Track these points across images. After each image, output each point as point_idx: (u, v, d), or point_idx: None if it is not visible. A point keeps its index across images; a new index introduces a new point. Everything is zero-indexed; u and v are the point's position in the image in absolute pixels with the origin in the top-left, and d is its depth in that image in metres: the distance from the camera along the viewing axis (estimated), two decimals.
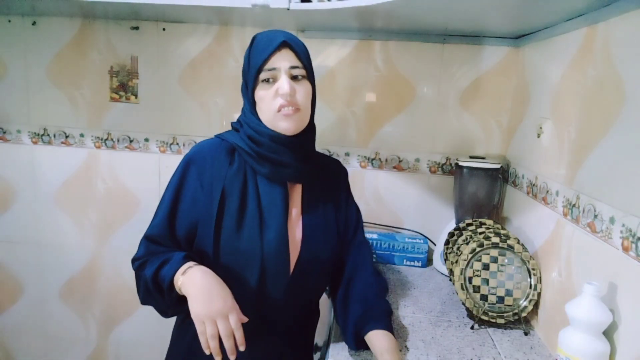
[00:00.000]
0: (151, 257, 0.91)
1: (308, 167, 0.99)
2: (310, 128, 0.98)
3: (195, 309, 0.81)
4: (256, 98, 0.92)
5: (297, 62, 0.90)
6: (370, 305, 0.97)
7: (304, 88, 0.92)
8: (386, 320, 0.95)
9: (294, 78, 0.90)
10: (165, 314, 0.96)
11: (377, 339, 0.90)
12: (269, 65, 0.89)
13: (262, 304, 0.94)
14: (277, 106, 0.89)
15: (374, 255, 1.52)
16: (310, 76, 0.94)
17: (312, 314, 1.09)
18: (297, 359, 1.06)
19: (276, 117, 0.90)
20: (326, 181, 1.06)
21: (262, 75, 0.90)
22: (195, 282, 0.82)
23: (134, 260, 0.95)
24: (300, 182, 1.01)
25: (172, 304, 0.89)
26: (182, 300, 0.85)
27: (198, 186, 0.94)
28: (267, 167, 0.94)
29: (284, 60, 0.89)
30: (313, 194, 1.02)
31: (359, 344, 0.95)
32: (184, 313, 0.95)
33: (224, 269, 0.91)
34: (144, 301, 0.95)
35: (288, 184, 0.98)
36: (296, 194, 1.01)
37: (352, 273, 1.04)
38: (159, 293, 0.88)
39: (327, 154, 1.17)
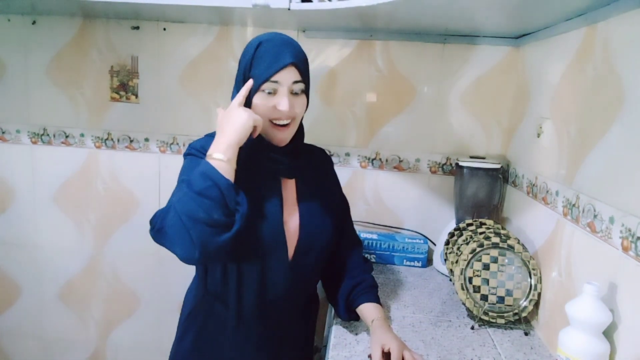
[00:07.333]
0: (175, 195, 0.86)
1: (299, 162, 1.03)
2: (299, 129, 1.03)
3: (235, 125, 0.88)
4: (252, 103, 0.94)
5: (298, 78, 0.93)
6: (359, 280, 1.10)
7: (301, 101, 0.96)
8: (375, 293, 1.10)
9: (292, 92, 0.94)
10: (230, 224, 0.84)
11: (367, 309, 1.05)
12: (272, 79, 0.91)
13: (264, 291, 0.99)
14: (272, 118, 0.94)
15: (374, 256, 1.52)
16: (307, 90, 0.98)
17: (311, 301, 1.16)
18: (297, 347, 1.12)
19: (269, 128, 0.95)
20: (316, 171, 1.11)
21: (264, 86, 0.92)
22: (221, 132, 0.88)
23: (153, 222, 0.87)
24: (293, 178, 1.05)
25: (230, 192, 0.83)
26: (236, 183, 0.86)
27: None
28: (259, 164, 0.98)
29: (287, 77, 0.92)
30: (306, 185, 1.06)
31: (350, 315, 1.09)
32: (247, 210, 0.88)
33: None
34: (202, 230, 0.80)
35: (282, 179, 1.02)
36: (290, 187, 1.04)
37: (342, 253, 1.14)
38: (210, 199, 0.81)
39: (328, 154, 1.19)
